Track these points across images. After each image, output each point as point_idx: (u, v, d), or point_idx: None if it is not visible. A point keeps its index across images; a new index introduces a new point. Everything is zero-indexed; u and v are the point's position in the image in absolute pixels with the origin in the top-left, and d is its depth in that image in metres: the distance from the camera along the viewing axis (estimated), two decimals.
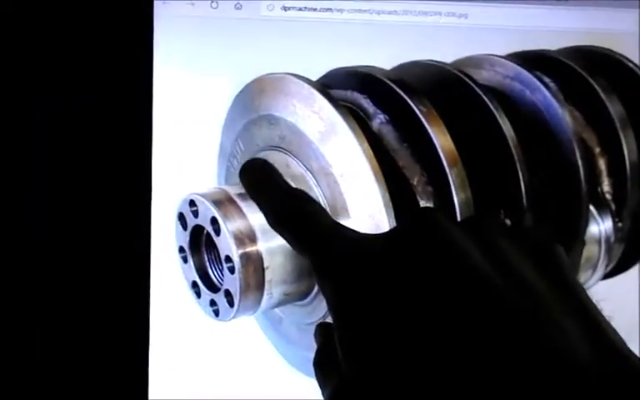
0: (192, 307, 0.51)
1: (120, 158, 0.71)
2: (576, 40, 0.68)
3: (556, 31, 0.76)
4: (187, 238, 0.49)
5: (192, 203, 0.48)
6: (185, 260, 0.50)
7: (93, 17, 0.70)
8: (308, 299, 0.50)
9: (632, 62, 0.64)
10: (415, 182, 0.48)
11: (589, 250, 0.57)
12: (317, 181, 0.47)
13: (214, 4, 0.72)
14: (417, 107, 0.48)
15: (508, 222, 0.51)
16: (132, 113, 0.71)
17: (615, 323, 0.33)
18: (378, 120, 0.49)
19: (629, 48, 0.67)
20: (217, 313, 0.48)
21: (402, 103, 0.49)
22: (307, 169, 0.48)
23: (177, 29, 0.71)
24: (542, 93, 0.56)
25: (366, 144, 0.45)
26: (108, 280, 0.71)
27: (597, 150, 0.59)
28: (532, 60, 0.59)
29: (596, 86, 0.59)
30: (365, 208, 0.45)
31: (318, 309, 0.50)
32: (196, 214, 0.47)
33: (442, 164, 0.47)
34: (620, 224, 0.59)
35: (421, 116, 0.48)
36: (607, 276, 0.62)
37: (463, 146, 0.48)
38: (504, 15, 0.75)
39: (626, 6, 0.76)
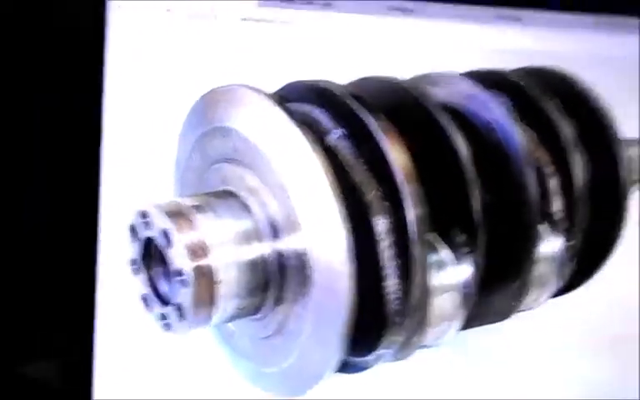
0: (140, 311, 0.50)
1: (68, 167, 0.70)
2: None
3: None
4: (139, 250, 0.48)
5: (144, 215, 0.47)
6: (136, 272, 0.49)
7: (46, 18, 0.68)
8: (261, 314, 0.49)
9: (582, 82, 0.65)
10: (370, 198, 0.48)
11: (540, 268, 0.58)
12: (271, 195, 0.47)
13: (169, 8, 0.70)
14: (373, 122, 0.48)
15: (462, 238, 0.52)
16: (82, 119, 0.70)
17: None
18: (334, 135, 0.49)
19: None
20: (168, 327, 0.48)
21: (358, 119, 0.48)
22: (262, 182, 0.47)
23: (131, 33, 0.70)
24: (495, 112, 0.56)
25: (321, 159, 0.45)
26: (55, 285, 0.70)
27: (549, 169, 0.59)
28: (486, 79, 0.60)
29: (548, 106, 0.60)
30: (320, 224, 0.44)
31: (271, 324, 0.49)
32: (148, 226, 0.47)
33: (398, 180, 0.47)
34: (570, 243, 0.59)
35: (377, 131, 0.48)
36: (557, 294, 0.63)
37: (419, 163, 0.48)
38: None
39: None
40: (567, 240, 0.59)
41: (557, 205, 0.59)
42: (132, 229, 0.48)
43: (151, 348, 0.70)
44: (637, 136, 0.75)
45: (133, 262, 0.49)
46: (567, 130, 0.60)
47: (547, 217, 0.58)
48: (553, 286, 0.60)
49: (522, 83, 0.61)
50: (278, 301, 0.48)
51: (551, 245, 0.58)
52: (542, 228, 0.58)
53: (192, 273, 0.44)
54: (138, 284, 0.49)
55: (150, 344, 0.69)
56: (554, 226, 0.59)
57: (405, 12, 0.72)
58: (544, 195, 0.58)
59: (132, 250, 0.49)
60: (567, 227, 0.59)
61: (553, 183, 0.59)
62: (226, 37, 0.71)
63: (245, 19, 0.71)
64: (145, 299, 0.49)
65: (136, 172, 0.70)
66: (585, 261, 0.63)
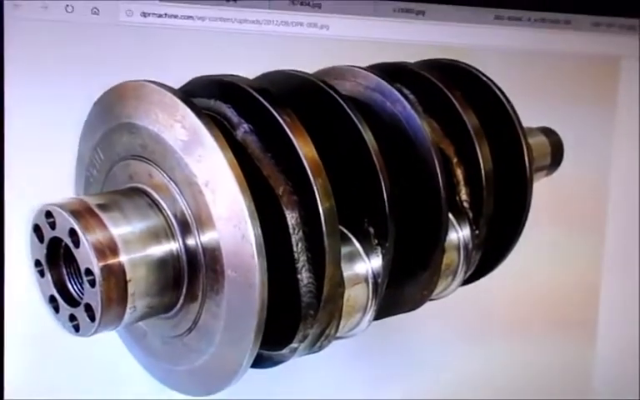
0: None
1: None
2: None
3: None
4: (44, 251, 0.47)
5: (48, 214, 0.46)
6: (42, 274, 0.48)
7: None
8: (173, 312, 0.49)
9: (485, 75, 0.67)
10: (280, 192, 0.48)
11: (449, 257, 0.59)
12: (180, 191, 0.47)
13: (69, 8, 0.69)
14: (280, 116, 0.48)
15: (372, 230, 0.52)
16: None
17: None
18: (242, 129, 0.49)
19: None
20: (77, 329, 0.47)
21: (265, 113, 0.48)
22: (171, 179, 0.47)
23: (29, 33, 0.68)
24: (402, 105, 0.57)
25: (230, 154, 0.44)
26: None
27: (455, 160, 0.61)
28: (392, 72, 0.60)
29: (452, 98, 0.61)
30: (230, 219, 0.44)
31: (184, 322, 0.49)
32: (53, 226, 0.46)
33: (307, 174, 0.47)
34: (477, 231, 0.61)
35: (285, 126, 0.48)
36: (465, 282, 0.64)
37: (327, 155, 0.48)
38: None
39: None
40: (474, 228, 0.60)
41: (463, 195, 0.60)
42: (37, 229, 0.47)
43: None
44: (538, 125, 0.77)
45: (38, 263, 0.48)
46: (471, 121, 0.61)
47: (454, 206, 0.60)
48: (462, 274, 0.61)
49: (426, 75, 0.62)
50: (191, 298, 0.48)
51: (458, 234, 0.60)
52: (450, 218, 0.59)
53: (101, 272, 0.44)
54: (44, 286, 0.48)
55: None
56: (461, 215, 0.60)
57: (312, 5, 0.72)
58: (451, 185, 0.59)
59: (36, 251, 0.48)
60: (473, 216, 0.60)
61: (459, 173, 0.61)
62: None
63: None
64: (52, 300, 0.48)
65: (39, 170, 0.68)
66: (491, 248, 0.64)
